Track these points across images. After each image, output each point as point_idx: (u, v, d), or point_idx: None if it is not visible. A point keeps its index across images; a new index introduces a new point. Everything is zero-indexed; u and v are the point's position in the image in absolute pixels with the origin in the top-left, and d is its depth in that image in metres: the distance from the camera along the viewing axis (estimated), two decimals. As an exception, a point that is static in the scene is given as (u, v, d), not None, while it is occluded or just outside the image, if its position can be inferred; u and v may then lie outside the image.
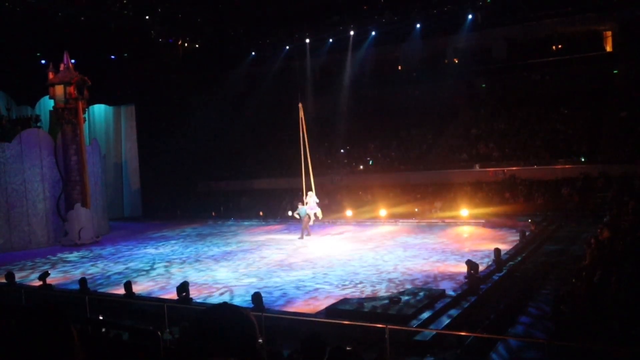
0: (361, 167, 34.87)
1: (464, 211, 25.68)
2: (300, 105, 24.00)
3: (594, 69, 33.25)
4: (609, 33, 33.91)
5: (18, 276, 18.21)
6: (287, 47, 39.54)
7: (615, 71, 34.40)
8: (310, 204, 23.48)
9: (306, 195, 23.72)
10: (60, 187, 27.48)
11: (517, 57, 35.33)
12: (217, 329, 2.09)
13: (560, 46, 34.94)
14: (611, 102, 31.69)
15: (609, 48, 34.07)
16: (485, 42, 36.43)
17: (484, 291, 13.62)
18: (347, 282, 15.39)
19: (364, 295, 13.74)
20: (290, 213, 25.31)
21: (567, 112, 32.53)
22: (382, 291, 14.13)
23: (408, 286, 14.32)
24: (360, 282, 15.31)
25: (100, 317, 12.16)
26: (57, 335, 2.06)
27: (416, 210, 27.80)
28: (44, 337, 2.04)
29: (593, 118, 31.26)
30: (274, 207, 31.81)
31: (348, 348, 5.02)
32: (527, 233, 20.39)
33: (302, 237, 23.40)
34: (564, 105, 32.95)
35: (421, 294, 12.84)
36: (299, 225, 24.19)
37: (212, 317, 2.16)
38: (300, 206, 23.80)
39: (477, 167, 30.31)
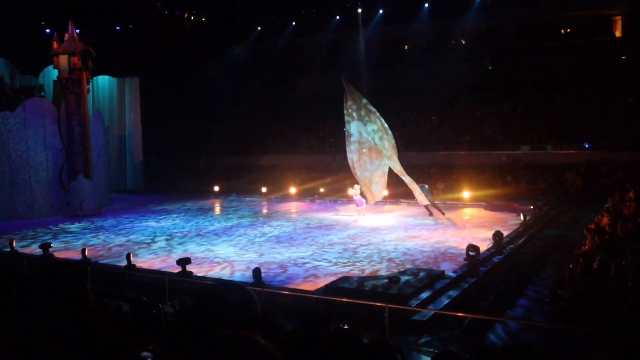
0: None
1: (466, 193, 25.66)
2: None
3: (602, 54, 32.93)
4: (619, 18, 33.51)
5: (20, 245, 18.43)
6: (294, 23, 39.23)
7: (623, 57, 34.07)
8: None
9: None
10: (63, 157, 27.48)
11: (525, 40, 35.00)
12: (220, 305, 2.10)
13: (569, 30, 34.58)
14: (618, 88, 31.43)
15: (618, 33, 33.72)
16: (493, 24, 36.05)
17: (484, 273, 13.68)
18: (347, 260, 15.46)
19: (363, 274, 13.80)
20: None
21: (573, 97, 32.30)
22: (382, 270, 14.20)
23: (408, 266, 14.36)
24: (360, 261, 15.39)
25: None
26: (74, 291, 2.10)
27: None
28: (62, 290, 2.07)
29: (599, 104, 31.05)
30: (277, 184, 31.81)
31: (346, 327, 5.04)
32: (528, 217, 20.38)
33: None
34: (570, 89, 32.70)
35: (421, 274, 12.89)
36: (300, 201, 24.11)
37: (215, 294, 2.17)
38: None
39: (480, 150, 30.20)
